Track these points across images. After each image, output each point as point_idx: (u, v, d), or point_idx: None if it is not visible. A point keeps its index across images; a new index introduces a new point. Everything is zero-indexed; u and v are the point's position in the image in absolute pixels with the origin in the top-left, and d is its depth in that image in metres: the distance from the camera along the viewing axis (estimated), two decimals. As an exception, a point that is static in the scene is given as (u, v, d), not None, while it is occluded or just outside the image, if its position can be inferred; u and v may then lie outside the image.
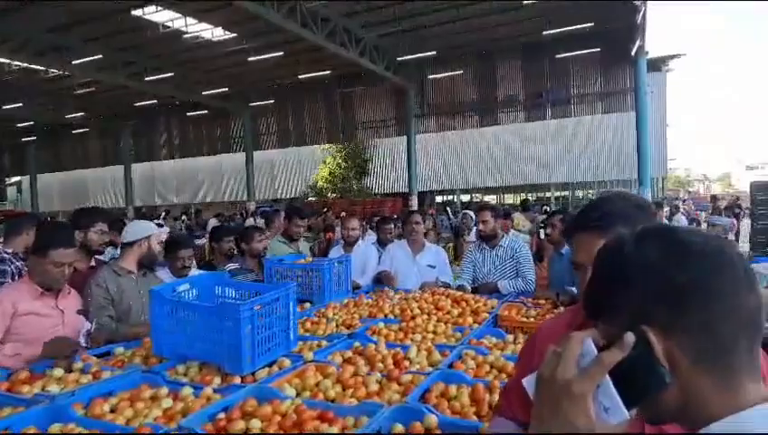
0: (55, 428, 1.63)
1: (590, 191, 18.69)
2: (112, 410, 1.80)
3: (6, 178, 27.21)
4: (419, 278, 3.96)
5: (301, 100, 21.11)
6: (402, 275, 4.01)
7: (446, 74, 18.12)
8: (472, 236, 5.99)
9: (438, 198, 20.97)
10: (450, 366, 2.16)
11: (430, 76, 18.44)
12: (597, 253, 0.75)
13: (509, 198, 20.62)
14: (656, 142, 15.92)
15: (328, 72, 18.04)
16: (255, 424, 1.63)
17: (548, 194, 19.94)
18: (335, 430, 1.57)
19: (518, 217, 8.04)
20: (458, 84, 18.70)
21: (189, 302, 2.29)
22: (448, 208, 13.32)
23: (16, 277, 3.28)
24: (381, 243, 4.79)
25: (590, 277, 0.75)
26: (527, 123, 18.31)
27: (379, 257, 4.42)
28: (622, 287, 0.68)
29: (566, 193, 19.91)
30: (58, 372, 2.13)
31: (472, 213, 7.17)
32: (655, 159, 15.68)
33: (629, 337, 0.64)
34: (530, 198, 17.65)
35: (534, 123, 18.21)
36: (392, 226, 5.05)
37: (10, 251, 3.35)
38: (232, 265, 3.97)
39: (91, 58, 15.03)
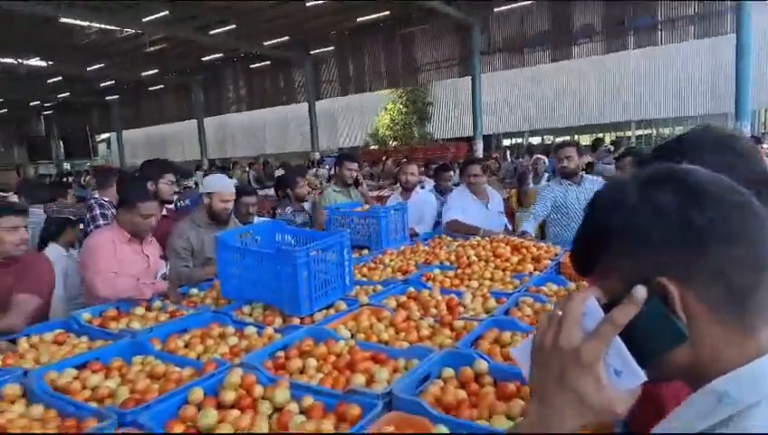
0: (137, 359, 1.82)
1: (678, 128, 17.06)
2: (186, 346, 1.98)
3: (96, 136, 29.29)
4: (494, 226, 3.86)
5: (360, 45, 20.70)
6: (478, 223, 3.86)
7: (514, 5, 16.86)
8: (543, 183, 5.74)
9: (506, 142, 20.19)
10: (506, 313, 2.15)
11: (496, 9, 17.31)
12: (592, 199, 0.67)
13: (584, 140, 19.46)
14: (759, 69, 14.06)
15: (387, 12, 17.46)
16: (311, 363, 1.73)
17: (628, 133, 18.51)
18: (386, 371, 1.63)
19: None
20: (527, 16, 17.42)
21: (251, 248, 2.41)
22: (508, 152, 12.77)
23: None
24: (440, 191, 4.74)
25: (582, 227, 0.67)
26: (605, 55, 16.82)
27: (441, 205, 4.41)
28: (628, 237, 0.61)
29: (649, 131, 18.39)
30: (140, 310, 2.36)
31: (545, 157, 6.82)
32: (757, 88, 13.91)
33: (641, 291, 0.58)
34: (607, 138, 16.52)
35: (614, 55, 16.66)
36: (451, 173, 4.95)
37: (106, 199, 3.71)
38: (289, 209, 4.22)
39: (159, 14, 15.47)
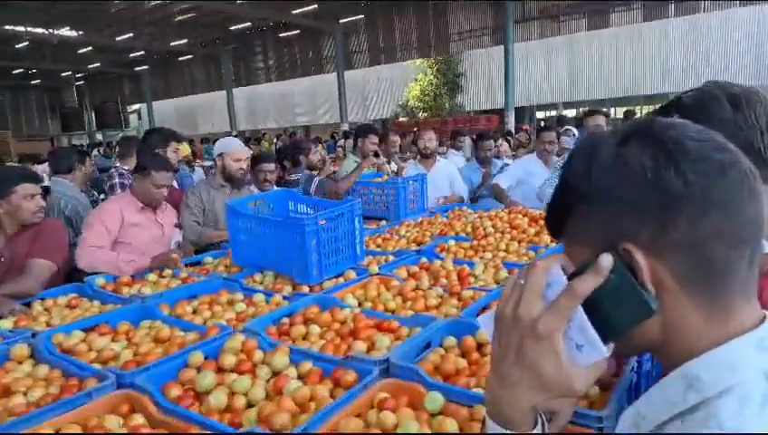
0: (144, 324, 1.84)
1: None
2: (194, 312, 1.99)
3: (128, 106, 29.87)
4: None
5: (390, 13, 20.26)
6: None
7: (550, -28, 16.19)
8: None
9: (539, 114, 19.59)
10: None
11: (531, -24, 16.63)
12: (568, 156, 0.61)
13: (621, 113, 18.68)
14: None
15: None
16: (315, 329, 1.71)
17: (666, 105, 17.69)
18: (388, 338, 1.59)
19: None
20: (563, -18, 16.67)
21: (260, 216, 2.39)
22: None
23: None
24: (480, 161, 4.63)
25: (558, 186, 0.61)
26: (645, 23, 16.01)
27: (483, 176, 4.37)
28: (597, 200, 0.54)
29: (690, 103, 17.50)
30: (152, 276, 2.38)
31: (574, 129, 6.60)
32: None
33: (606, 259, 0.53)
34: (644, 110, 15.82)
35: (654, 23, 15.86)
36: (491, 142, 4.80)
37: (126, 168, 3.77)
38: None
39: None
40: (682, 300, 0.53)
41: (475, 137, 5.53)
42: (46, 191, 3.65)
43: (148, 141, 3.76)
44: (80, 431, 1.21)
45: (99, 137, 27.17)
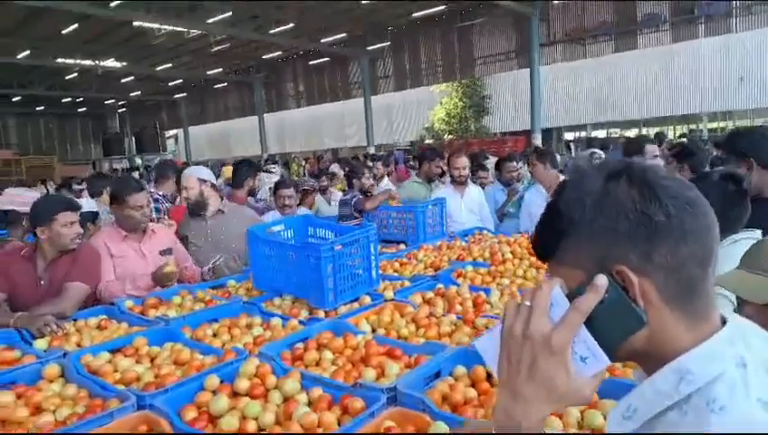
0: (167, 346, 1.92)
1: (759, 120, 15.68)
2: (214, 335, 2.06)
3: (165, 132, 31.04)
4: None
5: (416, 39, 20.60)
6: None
7: (575, -5, 16.22)
8: None
9: (568, 136, 19.40)
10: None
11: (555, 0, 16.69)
12: (556, 189, 0.68)
13: (652, 133, 18.30)
14: None
15: (443, 6, 17.27)
16: (327, 355, 1.75)
17: (700, 126, 17.29)
18: (397, 366, 1.62)
19: None
20: (589, 5, 16.66)
21: (277, 241, 2.47)
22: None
23: (165, 217, 3.83)
24: (505, 184, 4.64)
25: (544, 215, 0.68)
26: (674, 45, 15.80)
27: (507, 193, 4.41)
28: (589, 228, 0.62)
29: (724, 123, 17.05)
30: (177, 299, 2.47)
31: (600, 152, 6.54)
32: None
33: (602, 279, 0.60)
34: (675, 131, 15.50)
35: (683, 44, 15.63)
36: (515, 164, 4.78)
37: (161, 193, 3.92)
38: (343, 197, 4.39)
39: (223, 15, 16.12)
40: (665, 311, 0.62)
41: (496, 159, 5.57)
42: (95, 217, 3.81)
43: (239, 169, 4.25)
44: (100, 450, 1.28)
45: (138, 161, 28.27)
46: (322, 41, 19.86)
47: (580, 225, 0.63)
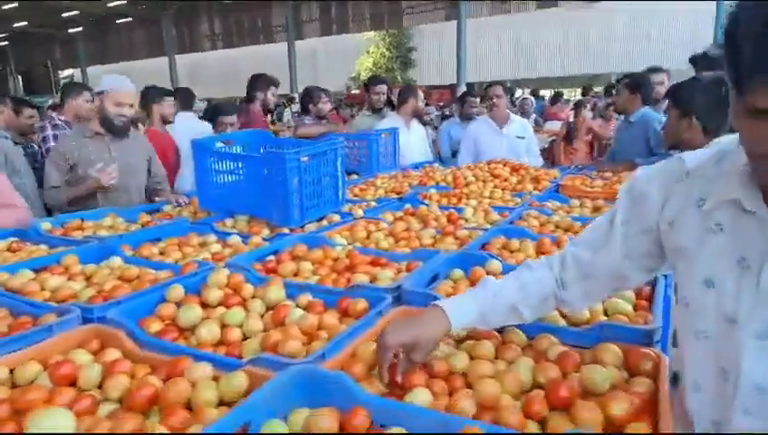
0: (107, 263, 1.61)
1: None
2: (161, 253, 1.77)
3: (59, 71, 27.68)
4: (510, 151, 3.57)
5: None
6: (488, 149, 3.62)
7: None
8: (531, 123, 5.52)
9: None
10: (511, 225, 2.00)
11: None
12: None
13: (568, 93, 19.08)
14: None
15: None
16: (306, 266, 1.55)
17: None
18: (389, 272, 1.46)
19: None
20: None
21: (230, 153, 2.17)
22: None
23: None
24: (465, 118, 4.52)
25: None
26: (594, 1, 16.37)
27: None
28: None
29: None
30: (108, 220, 2.11)
31: (532, 98, 6.70)
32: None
33: None
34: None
35: (603, 2, 16.25)
36: (477, 99, 4.68)
37: (62, 118, 3.49)
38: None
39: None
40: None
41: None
42: None
43: (253, 83, 3.94)
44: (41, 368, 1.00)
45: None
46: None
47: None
